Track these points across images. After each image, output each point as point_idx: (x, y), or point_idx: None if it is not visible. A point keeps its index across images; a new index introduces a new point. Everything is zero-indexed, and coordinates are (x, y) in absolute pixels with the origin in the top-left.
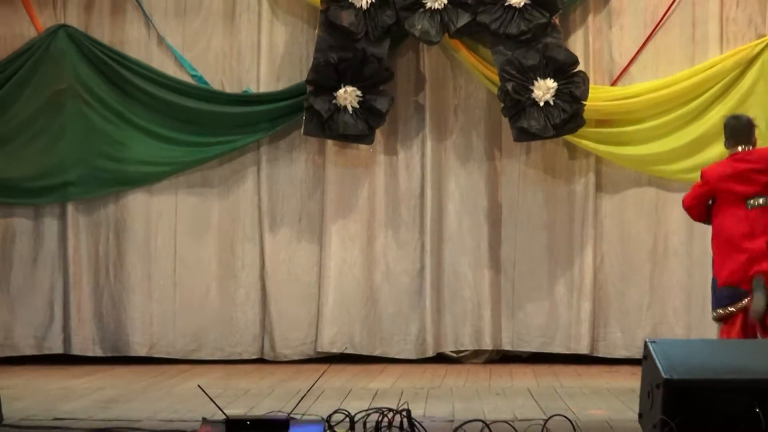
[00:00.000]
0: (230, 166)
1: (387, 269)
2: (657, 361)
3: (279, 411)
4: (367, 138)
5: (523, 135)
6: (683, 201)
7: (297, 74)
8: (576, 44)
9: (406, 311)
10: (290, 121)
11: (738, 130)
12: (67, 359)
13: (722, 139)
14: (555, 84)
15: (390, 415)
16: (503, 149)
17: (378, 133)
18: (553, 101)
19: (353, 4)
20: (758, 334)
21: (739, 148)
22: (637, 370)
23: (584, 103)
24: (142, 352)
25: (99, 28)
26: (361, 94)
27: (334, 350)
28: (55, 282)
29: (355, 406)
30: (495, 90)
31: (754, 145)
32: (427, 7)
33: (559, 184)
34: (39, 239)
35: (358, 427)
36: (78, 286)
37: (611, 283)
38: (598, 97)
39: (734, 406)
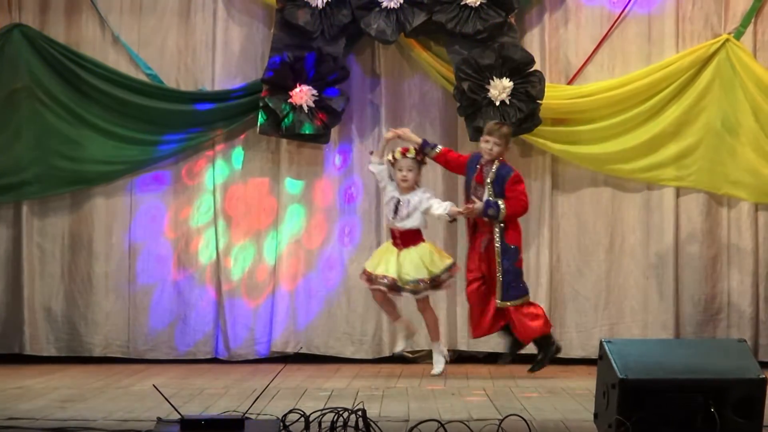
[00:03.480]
0: (185, 164)
1: (343, 268)
2: (612, 361)
3: (234, 411)
4: (322, 137)
5: (479, 134)
6: (526, 205)
7: (252, 72)
8: (532, 43)
9: (361, 311)
10: (245, 120)
11: None
12: (22, 359)
13: (678, 138)
14: (511, 83)
15: (345, 414)
16: (459, 148)
17: (333, 132)
18: (509, 100)
19: (309, 3)
20: None
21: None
22: (593, 370)
23: (540, 102)
24: (97, 352)
25: (55, 28)
26: (316, 93)
27: (289, 350)
28: (9, 282)
29: (310, 406)
30: (451, 89)
31: None
32: (383, 7)
33: None
34: None
35: (313, 427)
36: (32, 285)
37: (567, 283)
38: (554, 96)
39: (689, 405)
